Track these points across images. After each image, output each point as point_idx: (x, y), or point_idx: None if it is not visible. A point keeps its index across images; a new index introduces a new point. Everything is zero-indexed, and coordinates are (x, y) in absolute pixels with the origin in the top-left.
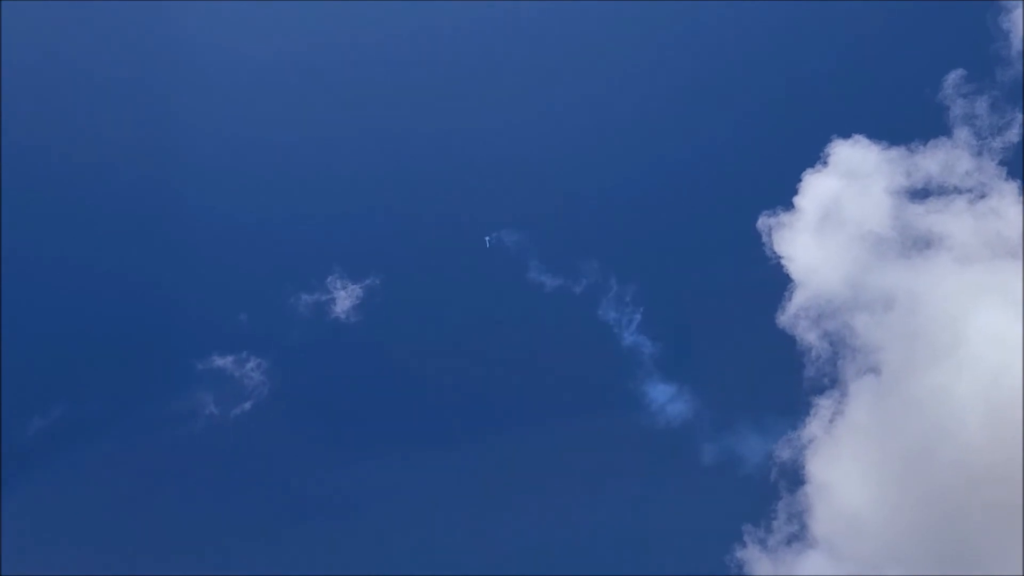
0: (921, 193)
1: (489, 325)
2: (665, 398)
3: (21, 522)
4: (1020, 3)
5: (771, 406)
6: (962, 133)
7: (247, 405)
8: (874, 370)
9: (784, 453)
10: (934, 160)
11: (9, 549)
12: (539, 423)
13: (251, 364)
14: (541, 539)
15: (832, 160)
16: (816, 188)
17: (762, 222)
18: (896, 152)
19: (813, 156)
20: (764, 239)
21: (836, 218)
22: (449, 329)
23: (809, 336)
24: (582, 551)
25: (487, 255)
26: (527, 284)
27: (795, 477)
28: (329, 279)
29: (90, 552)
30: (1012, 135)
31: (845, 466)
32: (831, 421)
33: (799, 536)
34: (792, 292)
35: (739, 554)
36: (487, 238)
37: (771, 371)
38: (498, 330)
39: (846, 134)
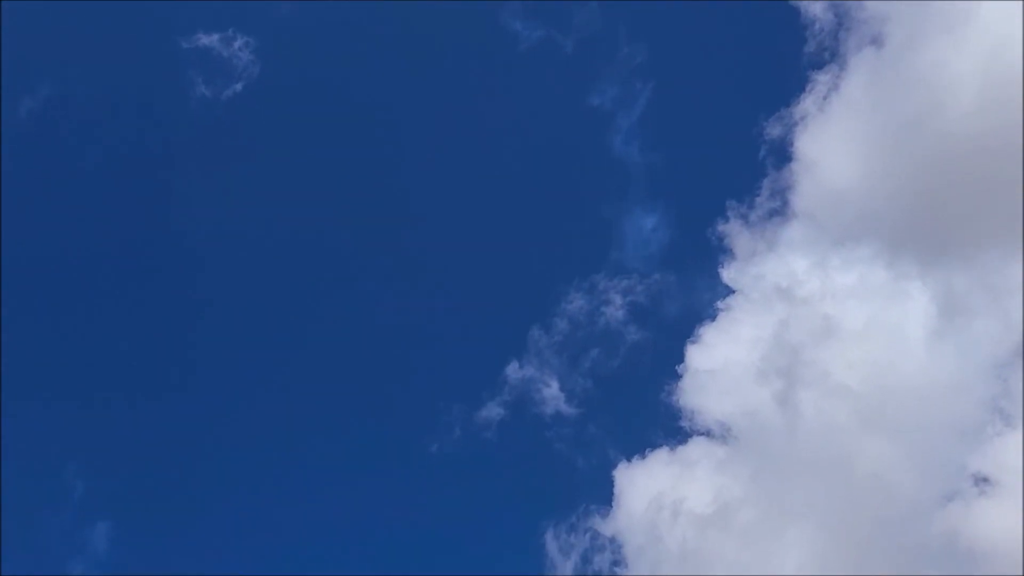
0: None
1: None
2: (648, 228)
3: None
4: None
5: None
6: None
7: (238, 86)
8: (876, 42)
9: (775, 130)
10: None
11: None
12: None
13: (239, 43)
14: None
15: None
16: None
17: None
18: None
19: None
20: None
21: None
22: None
23: (814, 7)
24: None
25: None
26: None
27: (783, 154)
28: None
29: (91, 235)
30: None
31: (835, 142)
32: (825, 97)
33: (780, 211)
34: None
35: (721, 227)
36: None
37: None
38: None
39: None
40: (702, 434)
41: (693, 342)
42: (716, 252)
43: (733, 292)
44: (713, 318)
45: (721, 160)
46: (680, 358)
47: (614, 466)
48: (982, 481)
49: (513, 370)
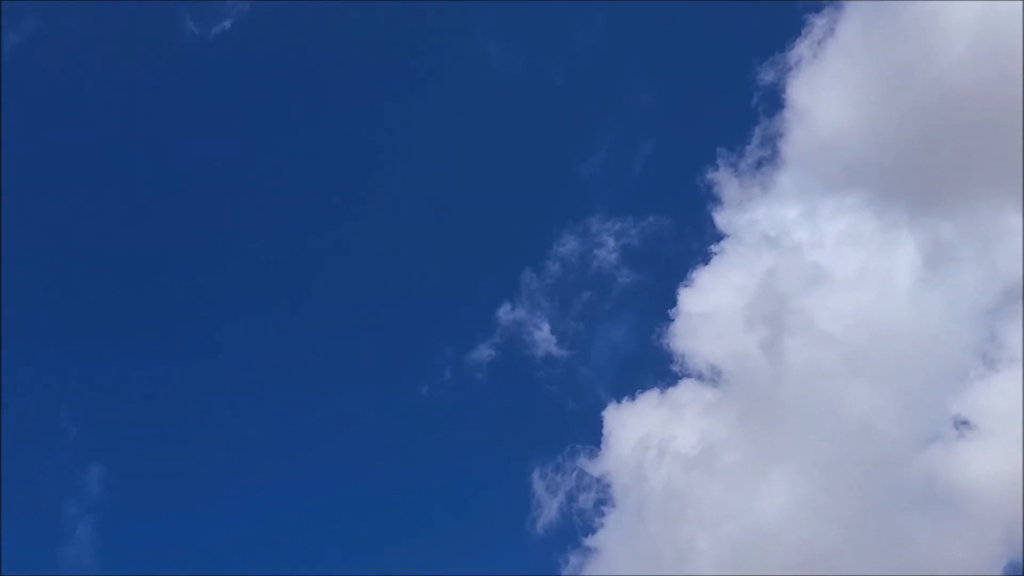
0: None
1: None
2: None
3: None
4: None
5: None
6: None
7: (227, 24)
8: None
9: (768, 76)
10: None
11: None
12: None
13: None
14: None
15: None
16: None
17: None
18: None
19: None
20: None
21: None
22: None
23: None
24: None
25: None
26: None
27: (776, 101)
28: None
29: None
30: None
31: (828, 89)
32: (820, 42)
33: (770, 159)
34: None
35: (710, 175)
36: None
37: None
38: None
39: None
40: (693, 377)
41: (686, 285)
42: (706, 200)
43: (727, 236)
44: (707, 262)
45: (714, 106)
46: (673, 301)
47: (604, 407)
48: (962, 424)
49: (505, 312)
